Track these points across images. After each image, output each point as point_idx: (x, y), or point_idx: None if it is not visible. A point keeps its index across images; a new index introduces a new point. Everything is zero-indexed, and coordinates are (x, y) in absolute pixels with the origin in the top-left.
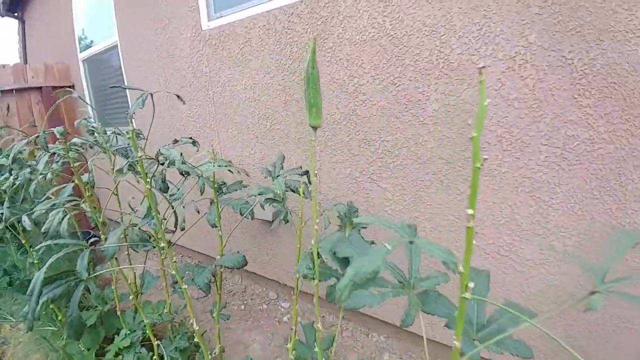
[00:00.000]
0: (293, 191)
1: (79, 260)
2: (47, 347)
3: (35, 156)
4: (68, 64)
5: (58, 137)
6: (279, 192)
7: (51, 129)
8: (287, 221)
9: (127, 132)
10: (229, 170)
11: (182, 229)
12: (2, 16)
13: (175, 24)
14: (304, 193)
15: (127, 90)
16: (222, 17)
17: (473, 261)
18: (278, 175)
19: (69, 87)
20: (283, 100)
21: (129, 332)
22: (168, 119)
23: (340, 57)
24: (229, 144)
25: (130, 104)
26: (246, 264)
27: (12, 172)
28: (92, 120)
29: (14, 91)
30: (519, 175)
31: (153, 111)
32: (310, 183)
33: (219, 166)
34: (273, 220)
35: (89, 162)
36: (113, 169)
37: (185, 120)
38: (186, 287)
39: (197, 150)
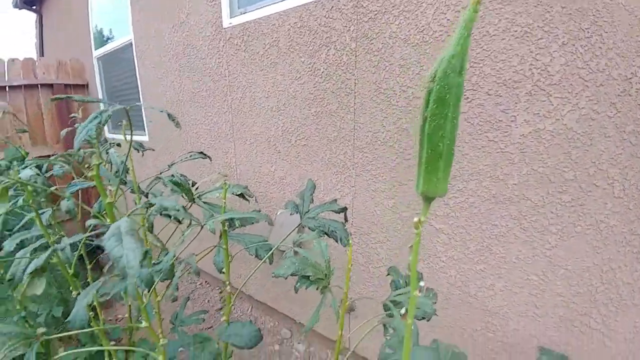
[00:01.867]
0: (327, 235)
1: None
2: None
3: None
4: (82, 62)
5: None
6: (322, 265)
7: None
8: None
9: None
10: (245, 198)
11: (174, 300)
12: (20, 8)
13: (194, 20)
14: (342, 240)
15: (140, 93)
16: (246, 12)
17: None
18: (307, 211)
19: (83, 85)
20: (313, 112)
21: None
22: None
23: (392, 61)
24: (246, 158)
25: (143, 108)
26: (260, 341)
27: None
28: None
29: (22, 87)
30: (629, 231)
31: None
32: (346, 220)
33: (233, 193)
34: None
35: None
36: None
37: (199, 128)
38: None
39: (211, 162)
